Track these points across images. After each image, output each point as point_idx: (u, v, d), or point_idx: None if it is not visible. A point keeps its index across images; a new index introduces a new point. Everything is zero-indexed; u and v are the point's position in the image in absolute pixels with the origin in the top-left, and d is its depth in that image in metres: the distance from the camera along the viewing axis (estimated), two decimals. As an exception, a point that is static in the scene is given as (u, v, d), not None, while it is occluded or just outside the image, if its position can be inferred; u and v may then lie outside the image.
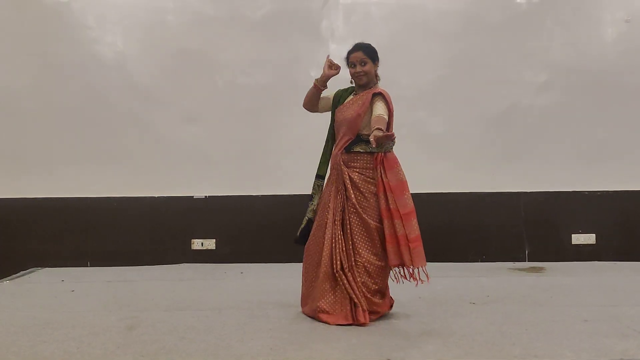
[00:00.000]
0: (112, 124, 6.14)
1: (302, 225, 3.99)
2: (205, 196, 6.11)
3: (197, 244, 6.10)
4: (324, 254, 3.71)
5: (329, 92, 4.06)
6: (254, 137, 6.13)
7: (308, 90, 4.04)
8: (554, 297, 4.33)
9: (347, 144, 3.80)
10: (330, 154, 3.96)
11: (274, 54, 6.11)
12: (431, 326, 3.55)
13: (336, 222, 3.73)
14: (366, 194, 3.75)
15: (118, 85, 6.12)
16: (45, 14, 6.08)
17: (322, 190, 3.96)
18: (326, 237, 3.73)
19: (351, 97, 3.95)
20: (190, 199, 6.11)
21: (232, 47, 6.12)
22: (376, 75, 3.99)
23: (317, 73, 6.17)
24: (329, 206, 3.79)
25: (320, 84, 3.97)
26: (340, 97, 3.99)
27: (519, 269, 5.65)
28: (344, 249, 3.70)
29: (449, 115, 6.16)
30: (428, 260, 5.98)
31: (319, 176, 4.00)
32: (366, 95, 3.85)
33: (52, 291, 4.78)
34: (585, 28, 6.15)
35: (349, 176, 3.76)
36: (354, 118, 3.78)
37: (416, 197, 6.01)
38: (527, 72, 6.15)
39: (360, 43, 3.94)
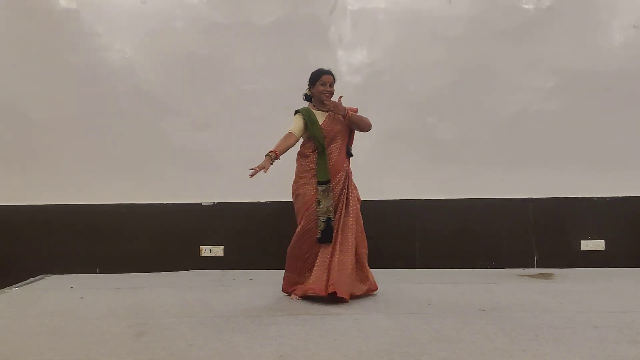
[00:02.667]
0: (121, 131, 6.16)
1: (322, 228, 4.53)
2: (214, 203, 6.12)
3: (205, 251, 6.11)
4: (350, 243, 4.53)
5: (295, 123, 4.68)
6: (262, 144, 6.11)
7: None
8: (564, 304, 4.32)
9: (346, 149, 4.72)
10: (326, 162, 4.60)
11: (283, 60, 6.13)
12: (441, 332, 3.54)
13: (351, 215, 4.60)
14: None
15: (127, 92, 6.15)
16: (55, 21, 6.13)
17: (329, 193, 4.55)
18: (349, 229, 4.56)
19: (321, 113, 4.68)
20: (198, 205, 6.12)
21: (240, 54, 6.15)
22: None
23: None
24: (344, 203, 4.61)
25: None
26: (309, 114, 4.64)
27: (528, 275, 5.63)
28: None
29: (457, 121, 6.16)
30: (437, 266, 6.02)
31: (322, 182, 4.57)
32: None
33: (61, 298, 4.80)
34: (594, 34, 6.14)
35: (350, 180, 4.72)
36: (345, 128, 4.68)
37: (425, 203, 6.08)
38: (535, 77, 6.13)
39: (330, 70, 4.69)
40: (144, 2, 6.12)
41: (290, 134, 4.57)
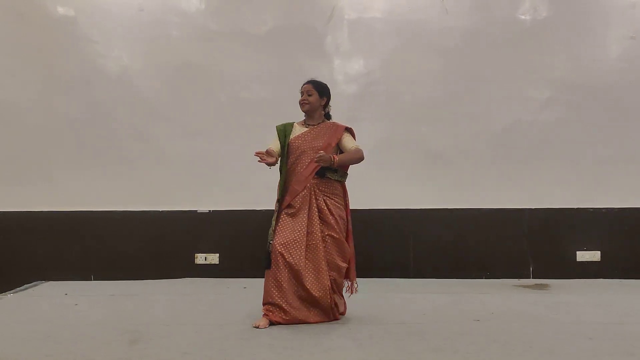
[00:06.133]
0: (116, 138, 6.16)
1: (269, 250, 4.14)
2: (209, 210, 6.11)
3: (200, 259, 6.09)
4: (323, 271, 4.05)
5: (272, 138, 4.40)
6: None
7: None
8: (559, 315, 4.31)
9: (317, 170, 4.14)
10: (284, 180, 4.28)
11: (278, 69, 6.14)
12: (435, 343, 3.52)
13: (321, 241, 4.10)
14: (337, 218, 4.18)
15: (122, 99, 6.16)
16: (52, 28, 6.13)
17: (274, 213, 4.29)
18: (317, 257, 4.07)
19: (304, 128, 4.32)
20: (194, 213, 6.11)
21: (236, 62, 6.15)
22: (325, 110, 4.38)
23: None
24: (304, 228, 4.10)
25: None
26: (284, 129, 4.35)
27: (523, 286, 5.63)
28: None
29: (452, 131, 6.16)
30: (431, 276, 6.01)
31: (278, 200, 4.31)
32: (334, 127, 4.29)
33: (55, 305, 4.79)
34: (589, 45, 6.16)
35: (324, 201, 4.16)
36: (324, 147, 4.15)
37: (419, 213, 6.07)
38: (530, 88, 6.15)
39: (313, 79, 4.35)
40: (141, 10, 6.13)
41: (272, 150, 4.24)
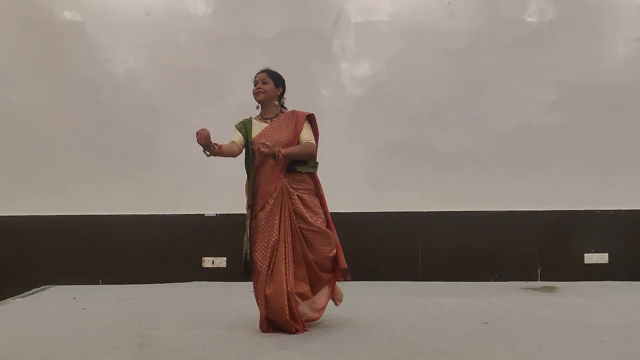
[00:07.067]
0: (123, 142, 6.18)
1: (245, 260, 4.02)
2: (217, 214, 6.12)
3: (207, 262, 6.10)
4: (281, 275, 3.85)
5: (233, 133, 4.24)
6: (265, 156, 6.14)
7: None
8: (567, 317, 4.30)
9: (287, 165, 3.96)
10: (252, 183, 4.09)
11: (285, 72, 6.10)
12: (443, 346, 3.52)
13: (290, 246, 3.91)
14: (314, 208, 4.00)
15: (130, 103, 6.17)
16: (59, 33, 6.16)
17: (246, 219, 4.07)
18: (279, 261, 3.89)
19: (263, 123, 4.15)
20: (201, 217, 6.12)
21: (243, 66, 6.14)
22: (279, 100, 4.25)
23: (327, 92, 6.24)
24: (278, 232, 3.91)
25: (209, 149, 3.85)
26: (245, 126, 4.20)
27: (531, 289, 5.61)
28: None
29: (460, 133, 6.16)
30: (439, 279, 5.99)
31: (249, 206, 4.08)
32: (294, 116, 4.10)
33: (63, 309, 4.80)
34: (596, 46, 6.15)
35: (298, 197, 3.95)
36: (290, 140, 3.97)
37: (427, 215, 6.05)
38: (538, 90, 6.14)
39: (267, 68, 4.24)
40: (148, 14, 6.15)
41: (233, 141, 4.12)
